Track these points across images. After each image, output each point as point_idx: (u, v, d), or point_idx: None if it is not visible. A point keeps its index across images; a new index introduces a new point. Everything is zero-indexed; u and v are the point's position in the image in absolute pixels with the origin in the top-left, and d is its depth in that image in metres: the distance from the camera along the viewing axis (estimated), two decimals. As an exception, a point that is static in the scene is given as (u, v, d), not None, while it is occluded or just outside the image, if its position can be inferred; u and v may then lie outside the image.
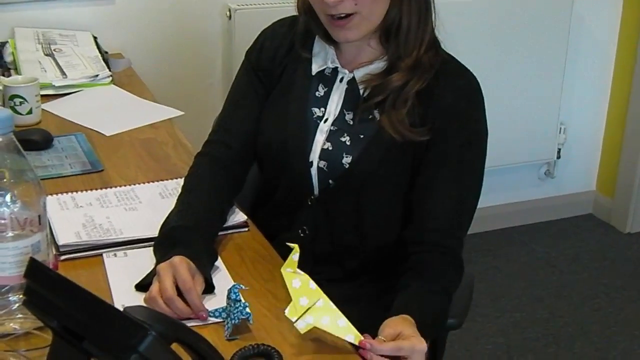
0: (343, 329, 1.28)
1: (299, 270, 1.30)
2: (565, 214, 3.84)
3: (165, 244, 1.48)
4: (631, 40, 3.59)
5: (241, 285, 1.33)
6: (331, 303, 1.29)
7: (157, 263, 1.42)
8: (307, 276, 1.29)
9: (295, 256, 1.31)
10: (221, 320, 1.34)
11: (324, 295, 1.29)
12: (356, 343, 1.27)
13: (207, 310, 1.35)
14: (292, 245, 1.32)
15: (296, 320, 1.27)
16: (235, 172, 1.70)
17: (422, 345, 1.30)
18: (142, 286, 1.41)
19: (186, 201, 1.60)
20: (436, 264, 1.53)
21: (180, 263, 1.38)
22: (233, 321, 1.30)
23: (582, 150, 3.80)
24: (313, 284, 1.29)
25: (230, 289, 1.33)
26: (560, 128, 3.61)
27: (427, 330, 1.35)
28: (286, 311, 1.27)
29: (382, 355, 1.26)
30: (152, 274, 1.41)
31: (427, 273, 1.51)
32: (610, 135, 3.78)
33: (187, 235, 1.48)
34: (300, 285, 1.28)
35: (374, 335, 1.30)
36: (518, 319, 3.07)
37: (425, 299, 1.47)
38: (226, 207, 1.65)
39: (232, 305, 1.31)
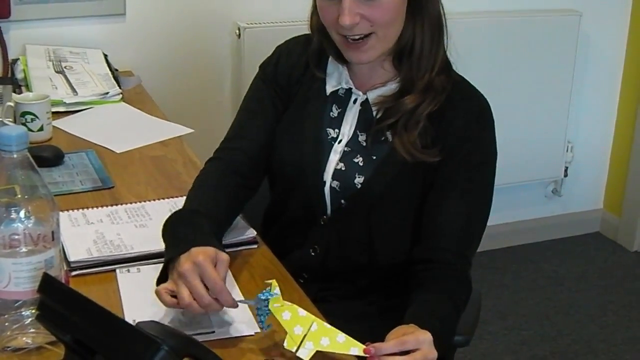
0: (345, 344, 1.28)
1: (285, 302, 1.30)
2: (573, 232, 3.84)
3: (174, 222, 1.48)
4: (638, 58, 3.60)
5: (274, 293, 1.33)
6: (325, 323, 1.29)
7: (169, 247, 1.42)
8: (294, 305, 1.30)
9: (276, 290, 1.30)
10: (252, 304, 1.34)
11: (316, 318, 1.30)
12: (361, 354, 1.28)
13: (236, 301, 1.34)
14: (269, 281, 1.31)
15: (297, 350, 1.27)
16: (246, 177, 1.67)
17: (425, 336, 1.30)
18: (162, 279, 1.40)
19: (193, 195, 1.60)
20: (444, 282, 1.53)
21: (204, 261, 1.33)
22: (265, 315, 1.31)
23: (589, 169, 3.80)
24: (302, 311, 1.29)
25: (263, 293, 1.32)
26: (568, 146, 3.61)
27: (436, 336, 1.33)
28: (285, 343, 1.28)
29: (391, 355, 1.26)
30: (166, 266, 1.39)
31: (435, 288, 1.51)
32: (618, 154, 3.79)
33: (196, 218, 1.48)
34: (291, 316, 1.29)
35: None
36: (526, 336, 3.07)
37: (433, 307, 1.46)
38: (234, 205, 1.64)
39: (260, 302, 1.31)
